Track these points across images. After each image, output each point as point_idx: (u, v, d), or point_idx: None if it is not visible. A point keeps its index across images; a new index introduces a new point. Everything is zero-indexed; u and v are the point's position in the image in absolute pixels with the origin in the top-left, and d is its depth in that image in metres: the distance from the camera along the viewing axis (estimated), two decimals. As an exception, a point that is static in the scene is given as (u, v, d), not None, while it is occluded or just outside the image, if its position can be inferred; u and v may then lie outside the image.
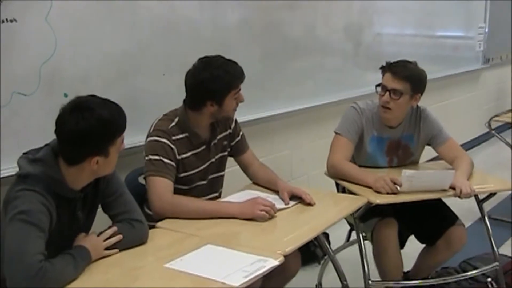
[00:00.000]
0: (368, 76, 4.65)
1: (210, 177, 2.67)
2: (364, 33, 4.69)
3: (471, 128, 6.68)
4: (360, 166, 2.97)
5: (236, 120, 2.77)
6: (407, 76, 2.86)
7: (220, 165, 2.73)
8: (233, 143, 2.76)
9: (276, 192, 2.60)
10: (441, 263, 3.08)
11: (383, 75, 2.95)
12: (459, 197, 2.69)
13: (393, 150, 3.05)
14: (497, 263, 2.96)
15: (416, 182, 2.63)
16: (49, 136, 1.94)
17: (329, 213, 2.45)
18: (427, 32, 5.77)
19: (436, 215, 2.93)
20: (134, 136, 2.64)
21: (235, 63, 2.53)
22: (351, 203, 2.55)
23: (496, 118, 4.70)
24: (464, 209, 3.10)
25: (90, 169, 1.92)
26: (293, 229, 2.23)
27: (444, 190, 2.69)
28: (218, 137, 2.67)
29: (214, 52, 2.58)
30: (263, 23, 3.63)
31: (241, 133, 2.79)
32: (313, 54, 4.11)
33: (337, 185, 3.08)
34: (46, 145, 1.96)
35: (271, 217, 2.31)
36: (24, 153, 1.97)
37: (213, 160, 2.66)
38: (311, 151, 4.22)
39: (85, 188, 1.99)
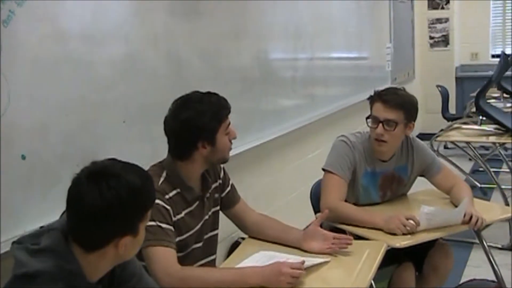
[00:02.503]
0: (306, 104, 4.51)
1: (206, 237, 2.27)
2: (299, 58, 4.47)
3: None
4: (352, 204, 2.69)
5: (223, 168, 2.40)
6: (399, 104, 2.64)
7: (214, 222, 2.33)
8: (223, 194, 2.37)
9: (292, 247, 2.25)
10: None
11: (371, 106, 2.71)
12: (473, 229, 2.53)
13: (387, 184, 2.81)
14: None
15: (433, 219, 2.42)
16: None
17: (360, 265, 2.12)
18: (348, 54, 5.68)
19: None
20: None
21: (215, 94, 2.18)
22: (374, 250, 2.24)
23: (439, 139, 4.64)
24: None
25: (114, 254, 1.48)
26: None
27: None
28: (210, 190, 2.29)
29: (173, 89, 2.28)
30: (214, 53, 3.29)
31: (230, 182, 2.41)
32: (258, 84, 3.80)
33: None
34: (49, 229, 1.49)
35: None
36: (15, 242, 1.50)
37: (207, 217, 2.27)
38: (262, 188, 3.91)
39: (103, 279, 1.54)
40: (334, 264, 2.11)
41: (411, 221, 2.40)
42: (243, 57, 3.58)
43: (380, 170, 2.77)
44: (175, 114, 2.12)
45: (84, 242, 1.45)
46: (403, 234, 2.39)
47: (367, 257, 2.18)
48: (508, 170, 5.31)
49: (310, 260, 2.07)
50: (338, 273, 2.07)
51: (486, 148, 6.48)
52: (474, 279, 2.92)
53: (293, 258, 2.12)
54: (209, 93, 2.17)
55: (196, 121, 2.08)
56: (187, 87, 2.25)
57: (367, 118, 2.72)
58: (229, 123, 2.17)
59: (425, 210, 2.40)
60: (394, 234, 2.40)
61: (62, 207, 2.07)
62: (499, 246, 4.22)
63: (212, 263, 2.31)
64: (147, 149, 2.62)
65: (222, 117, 2.14)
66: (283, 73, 4.16)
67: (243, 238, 2.81)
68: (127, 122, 2.58)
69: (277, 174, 4.18)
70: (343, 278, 2.01)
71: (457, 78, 8.27)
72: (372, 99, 2.71)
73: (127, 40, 2.59)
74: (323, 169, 2.73)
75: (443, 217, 2.47)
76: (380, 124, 2.64)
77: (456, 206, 2.70)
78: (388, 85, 6.61)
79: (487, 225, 2.65)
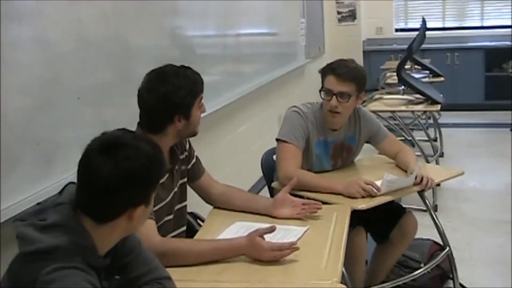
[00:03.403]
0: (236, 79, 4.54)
1: (176, 208, 2.28)
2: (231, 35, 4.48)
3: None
4: (306, 171, 2.78)
5: (189, 141, 2.41)
6: (352, 77, 2.73)
7: (182, 194, 2.35)
8: (189, 166, 2.39)
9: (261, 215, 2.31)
10: (397, 257, 3.02)
11: (323, 79, 2.79)
12: (423, 190, 2.71)
13: (338, 152, 2.92)
14: (448, 249, 2.97)
15: (392, 185, 2.56)
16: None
17: (332, 228, 2.20)
18: (268, 30, 5.74)
19: (386, 210, 2.85)
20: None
21: (189, 68, 2.19)
22: (340, 213, 2.33)
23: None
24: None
25: (126, 225, 1.47)
26: (319, 256, 1.96)
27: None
28: (178, 162, 2.29)
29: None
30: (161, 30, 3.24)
31: (195, 154, 2.43)
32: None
33: (272, 195, 2.86)
34: (56, 204, 1.45)
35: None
36: (18, 219, 1.45)
37: (176, 189, 2.27)
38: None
39: (109, 252, 1.53)
40: (310, 229, 2.18)
41: (370, 186, 2.51)
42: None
43: (331, 139, 2.86)
44: (151, 88, 2.11)
45: (97, 215, 1.43)
46: (362, 197, 2.50)
47: (336, 219, 2.27)
48: (423, 138, 5.59)
49: (292, 233, 2.13)
50: (315, 236, 2.13)
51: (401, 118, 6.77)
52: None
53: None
54: (183, 67, 2.17)
55: (174, 96, 2.08)
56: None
57: (320, 90, 2.79)
58: (202, 97, 2.18)
59: (388, 177, 2.52)
60: (354, 198, 2.50)
61: (23, 186, 2.05)
62: (424, 208, 4.45)
63: (182, 235, 2.33)
64: (100, 126, 2.56)
65: (198, 92, 2.15)
66: (205, 51, 4.13)
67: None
68: (81, 99, 2.52)
69: (211, 149, 4.20)
70: (321, 241, 2.07)
71: (364, 52, 8.56)
72: (324, 72, 2.79)
73: (79, 19, 2.51)
74: (278, 139, 2.78)
75: (400, 182, 2.61)
76: (334, 97, 2.72)
77: (402, 170, 2.85)
78: (303, 60, 6.80)
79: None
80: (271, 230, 2.01)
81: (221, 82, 4.22)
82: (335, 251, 1.99)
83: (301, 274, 1.88)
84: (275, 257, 1.92)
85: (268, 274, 1.87)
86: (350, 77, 2.72)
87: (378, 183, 2.55)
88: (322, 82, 2.80)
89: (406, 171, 2.80)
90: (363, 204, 2.47)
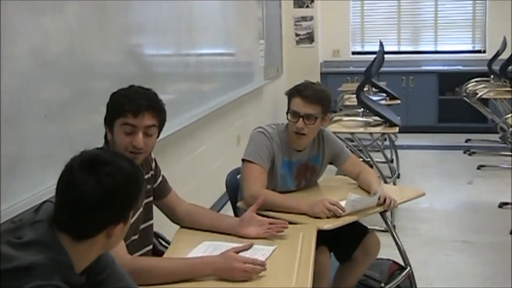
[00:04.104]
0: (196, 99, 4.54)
1: (141, 228, 2.27)
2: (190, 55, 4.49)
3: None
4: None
5: (155, 159, 2.41)
6: (318, 99, 2.79)
7: (148, 213, 2.34)
8: (155, 185, 2.39)
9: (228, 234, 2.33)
10: (359, 275, 3.06)
11: (290, 101, 2.84)
12: (385, 210, 2.77)
13: (302, 173, 2.96)
14: (409, 268, 3.04)
15: (357, 205, 2.61)
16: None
17: (299, 247, 2.23)
18: (227, 50, 5.77)
19: (350, 229, 2.89)
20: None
21: (141, 91, 2.16)
22: (307, 232, 2.37)
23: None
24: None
25: (104, 242, 1.46)
26: (288, 275, 1.99)
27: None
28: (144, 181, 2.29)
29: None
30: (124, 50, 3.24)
31: (161, 173, 2.44)
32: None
33: (236, 214, 2.89)
34: (33, 221, 1.44)
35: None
36: (-9, 237, 1.44)
37: (141, 209, 2.27)
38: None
39: (85, 270, 1.52)
40: (277, 249, 2.20)
41: (335, 206, 2.56)
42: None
43: (295, 159, 2.91)
44: None
45: (76, 232, 1.42)
46: (327, 217, 2.54)
47: (303, 239, 2.30)
48: (381, 159, 5.69)
49: (260, 252, 2.14)
50: (283, 256, 2.15)
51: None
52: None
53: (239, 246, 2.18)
54: (136, 87, 2.19)
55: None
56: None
57: (287, 112, 2.85)
58: (128, 124, 2.12)
59: (352, 197, 2.57)
60: (319, 218, 2.54)
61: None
62: (382, 228, 4.52)
63: (148, 253, 2.32)
64: (66, 143, 2.55)
65: (118, 111, 2.12)
66: (162, 69, 4.12)
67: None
68: (48, 116, 2.50)
69: (169, 170, 4.17)
70: (289, 261, 2.09)
71: (322, 74, 8.69)
72: (290, 94, 2.84)
73: (45, 33, 2.50)
74: (243, 160, 2.80)
75: (364, 202, 2.67)
76: (301, 119, 2.77)
77: (364, 190, 2.91)
78: (262, 80, 6.85)
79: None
80: (248, 247, 2.04)
81: (181, 101, 4.22)
82: (304, 270, 2.02)
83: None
84: (246, 270, 1.93)
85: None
86: (316, 99, 2.77)
87: (342, 203, 2.59)
88: (289, 104, 2.84)
89: (368, 192, 2.85)
90: (328, 224, 2.51)
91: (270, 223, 2.35)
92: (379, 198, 2.69)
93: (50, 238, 1.40)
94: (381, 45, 5.80)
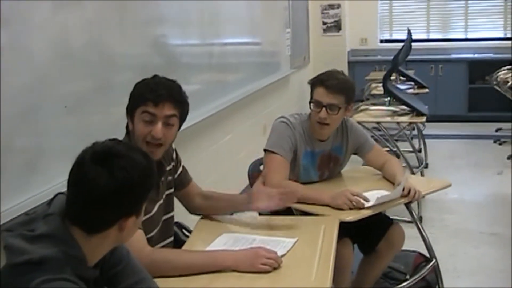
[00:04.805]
0: (217, 90, 4.51)
1: (162, 220, 2.26)
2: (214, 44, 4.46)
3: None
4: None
5: (175, 150, 2.40)
6: (341, 89, 2.74)
7: (169, 205, 2.32)
8: (176, 176, 2.37)
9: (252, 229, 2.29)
10: (383, 268, 3.02)
11: (313, 90, 2.79)
12: (410, 202, 2.72)
13: (324, 163, 2.92)
14: (434, 261, 2.98)
15: (381, 200, 2.56)
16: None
17: (320, 240, 2.19)
18: (252, 39, 5.74)
19: (374, 221, 2.85)
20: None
21: (164, 81, 2.13)
22: (329, 225, 2.32)
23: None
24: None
25: (116, 236, 1.45)
26: (308, 267, 1.95)
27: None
28: (165, 173, 2.27)
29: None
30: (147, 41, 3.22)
31: (182, 163, 2.42)
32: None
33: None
34: (45, 214, 1.43)
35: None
36: (6, 230, 1.43)
37: (161, 201, 2.25)
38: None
39: (98, 263, 1.51)
40: (298, 241, 2.16)
41: (357, 197, 2.52)
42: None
43: (318, 150, 2.86)
44: None
45: (88, 225, 1.41)
46: (350, 209, 2.50)
47: (324, 231, 2.26)
48: (408, 149, 5.61)
49: (281, 244, 2.11)
50: (304, 248, 2.12)
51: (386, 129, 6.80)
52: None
53: (259, 238, 2.17)
54: (159, 78, 2.16)
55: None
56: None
57: (309, 102, 2.80)
58: (147, 112, 2.09)
59: (378, 195, 2.55)
60: (341, 209, 2.50)
61: (7, 195, 2.01)
62: (409, 219, 4.46)
63: (170, 245, 2.31)
64: (85, 135, 2.54)
65: (138, 100, 2.10)
66: (187, 59, 4.11)
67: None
68: (68, 108, 2.50)
69: (192, 160, 4.16)
70: (310, 253, 2.07)
71: (349, 62, 8.58)
72: (313, 84, 2.80)
73: (64, 26, 2.49)
74: (265, 150, 2.78)
75: (389, 196, 2.61)
76: (323, 108, 2.72)
77: (389, 181, 2.86)
78: (288, 69, 6.80)
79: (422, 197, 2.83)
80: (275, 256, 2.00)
81: (205, 91, 4.21)
82: (324, 263, 1.99)
83: (290, 286, 1.87)
84: (267, 262, 1.92)
85: (256, 286, 1.85)
86: (339, 89, 2.73)
87: (367, 194, 2.55)
88: (312, 93, 2.80)
89: (393, 183, 2.80)
90: (350, 216, 2.47)
91: (280, 194, 2.33)
92: (403, 190, 2.64)
93: (62, 232, 1.39)
94: (409, 33, 5.70)
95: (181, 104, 2.11)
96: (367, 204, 2.52)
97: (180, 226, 2.58)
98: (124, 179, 1.38)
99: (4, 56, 2.10)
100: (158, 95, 2.04)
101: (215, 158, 4.54)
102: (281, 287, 1.86)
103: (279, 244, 2.13)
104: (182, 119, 2.15)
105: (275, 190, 2.36)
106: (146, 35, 3.29)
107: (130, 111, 2.11)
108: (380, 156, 2.98)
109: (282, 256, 2.01)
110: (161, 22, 3.51)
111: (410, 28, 6.18)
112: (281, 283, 1.88)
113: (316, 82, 2.78)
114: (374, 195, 2.58)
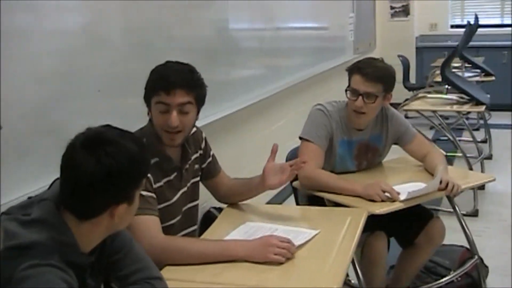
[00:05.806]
0: (272, 75, 4.47)
1: (184, 209, 2.23)
2: (264, 29, 4.42)
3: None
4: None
5: (205, 138, 2.37)
6: (379, 77, 2.64)
7: (194, 193, 2.29)
8: (204, 165, 2.34)
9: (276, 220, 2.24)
10: (423, 262, 2.92)
11: (350, 78, 2.70)
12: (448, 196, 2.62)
13: (362, 153, 2.83)
14: (476, 257, 2.86)
15: (415, 194, 2.46)
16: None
17: (343, 233, 2.11)
18: (311, 24, 5.66)
19: (413, 213, 2.75)
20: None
21: (175, 67, 2.08)
22: (355, 217, 2.24)
23: (405, 108, 4.66)
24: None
25: (109, 222, 1.45)
26: (324, 260, 1.89)
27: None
28: (190, 161, 2.25)
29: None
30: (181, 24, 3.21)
31: (212, 152, 2.38)
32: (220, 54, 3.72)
33: (296, 195, 2.81)
34: (40, 199, 1.44)
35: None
36: (4, 213, 1.45)
37: (185, 189, 2.22)
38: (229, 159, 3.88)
39: (95, 249, 1.51)
40: (321, 233, 2.10)
41: (391, 188, 2.43)
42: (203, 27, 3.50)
43: (356, 139, 2.78)
44: None
45: (78, 211, 1.41)
46: (382, 201, 2.41)
47: (349, 224, 2.18)
48: (470, 138, 5.40)
49: (301, 235, 2.05)
50: (324, 240, 2.05)
51: (446, 117, 6.58)
52: (443, 245, 2.96)
53: (281, 228, 2.12)
54: (172, 63, 2.11)
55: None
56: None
57: (346, 90, 2.72)
58: (161, 102, 2.06)
59: (410, 189, 2.43)
60: (373, 201, 2.42)
61: (35, 178, 2.04)
62: (464, 212, 4.30)
63: (193, 234, 2.28)
64: (121, 119, 2.56)
65: (151, 89, 2.08)
66: (247, 44, 4.10)
67: (214, 208, 2.80)
68: (102, 91, 2.52)
69: (244, 144, 4.15)
70: (329, 245, 2.00)
71: (417, 48, 8.35)
72: (350, 71, 2.70)
73: (92, 11, 2.51)
74: (300, 138, 2.72)
75: (423, 190, 2.49)
76: (360, 97, 2.64)
77: (429, 173, 2.75)
78: (351, 55, 6.67)
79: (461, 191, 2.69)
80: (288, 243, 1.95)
81: (261, 75, 4.19)
82: (342, 256, 1.92)
83: (300, 278, 1.82)
84: (280, 251, 1.87)
85: (267, 276, 1.82)
86: (377, 77, 2.63)
87: (399, 187, 2.46)
88: (349, 80, 2.72)
89: (433, 175, 2.68)
90: (380, 209, 2.37)
91: (291, 165, 2.24)
92: (440, 183, 2.52)
93: (53, 217, 1.40)
94: (476, 18, 5.46)
95: (194, 88, 2.05)
96: (401, 198, 2.42)
97: (220, 210, 2.55)
98: (110, 165, 1.37)
99: (35, 40, 2.14)
100: (169, 83, 1.99)
101: (267, 142, 4.49)
102: (292, 278, 1.83)
103: (300, 235, 2.06)
104: (200, 103, 2.10)
105: (286, 163, 2.25)
106: (204, 17, 3.29)
107: (147, 101, 2.09)
108: (422, 147, 2.86)
109: (299, 246, 1.96)
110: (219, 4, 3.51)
111: (482, 13, 5.91)
112: (293, 273, 1.84)
113: (353, 69, 2.69)
114: (410, 187, 2.48)
